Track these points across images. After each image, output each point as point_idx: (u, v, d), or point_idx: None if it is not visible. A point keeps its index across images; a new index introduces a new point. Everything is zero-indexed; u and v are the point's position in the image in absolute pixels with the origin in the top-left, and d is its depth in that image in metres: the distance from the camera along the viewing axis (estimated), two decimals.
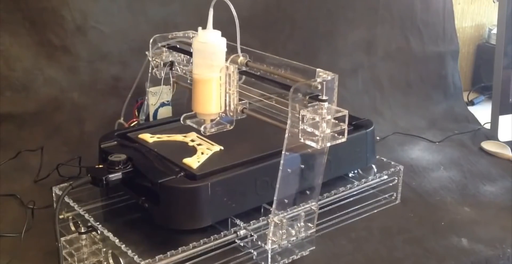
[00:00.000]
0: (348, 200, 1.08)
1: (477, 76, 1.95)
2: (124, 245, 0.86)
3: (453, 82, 1.72)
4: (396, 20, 1.63)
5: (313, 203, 0.93)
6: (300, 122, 0.85)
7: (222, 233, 0.91)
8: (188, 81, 1.11)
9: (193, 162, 0.96)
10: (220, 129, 1.01)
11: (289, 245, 0.93)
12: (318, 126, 0.84)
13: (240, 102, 0.99)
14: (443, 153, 1.39)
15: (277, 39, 1.48)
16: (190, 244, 0.88)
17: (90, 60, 1.30)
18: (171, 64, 1.13)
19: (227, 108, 1.00)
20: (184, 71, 1.12)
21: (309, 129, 0.85)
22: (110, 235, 0.88)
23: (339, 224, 1.04)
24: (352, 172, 1.14)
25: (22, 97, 1.25)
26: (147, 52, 1.12)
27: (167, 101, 1.19)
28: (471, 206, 1.15)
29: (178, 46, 1.14)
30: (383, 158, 1.16)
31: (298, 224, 0.92)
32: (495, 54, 1.48)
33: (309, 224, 0.93)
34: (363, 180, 1.10)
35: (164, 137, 1.07)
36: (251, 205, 0.96)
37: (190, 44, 1.08)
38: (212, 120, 1.01)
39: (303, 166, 0.89)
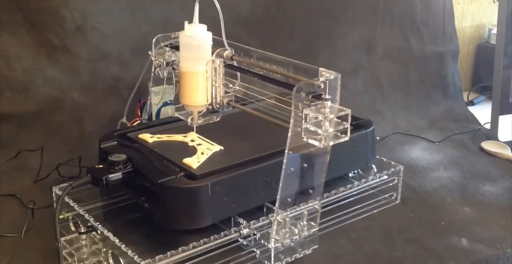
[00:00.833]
0: (348, 200, 1.08)
1: (477, 76, 1.94)
2: (124, 245, 0.86)
3: (453, 82, 1.72)
4: (396, 20, 1.63)
5: (316, 202, 0.93)
6: (303, 121, 0.85)
7: (222, 233, 0.91)
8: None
9: (193, 162, 0.96)
10: (207, 121, 1.04)
11: (292, 244, 0.94)
12: (321, 125, 0.85)
13: (226, 95, 1.02)
14: (443, 153, 1.39)
15: (277, 39, 1.49)
16: (190, 244, 0.88)
17: (90, 60, 1.30)
18: (174, 63, 1.13)
19: (214, 100, 1.02)
20: None
21: (312, 128, 0.85)
22: (110, 235, 0.88)
23: (339, 224, 1.04)
24: (352, 172, 1.14)
25: (22, 97, 1.25)
26: (149, 52, 1.13)
27: (170, 100, 1.19)
28: (471, 206, 1.15)
29: None
30: (383, 158, 1.16)
31: (301, 223, 0.93)
32: (495, 54, 1.48)
33: (312, 223, 0.94)
34: (363, 180, 1.10)
35: (164, 137, 1.07)
36: (251, 205, 0.96)
37: None
38: (199, 112, 1.03)
39: (305, 165, 0.90)
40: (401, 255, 0.98)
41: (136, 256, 0.84)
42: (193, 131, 1.08)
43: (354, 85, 1.58)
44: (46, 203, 1.06)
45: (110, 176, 0.92)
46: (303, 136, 0.86)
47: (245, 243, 0.94)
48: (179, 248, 0.87)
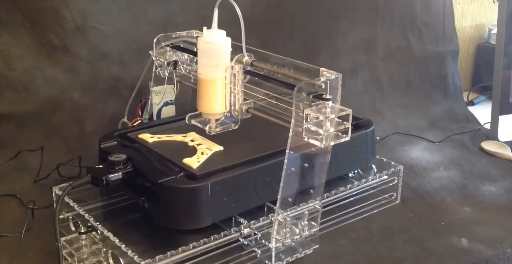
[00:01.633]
0: (348, 200, 1.08)
1: (477, 76, 1.94)
2: (124, 245, 0.86)
3: (453, 82, 1.72)
4: (396, 20, 1.63)
5: (317, 202, 0.93)
6: (304, 121, 0.85)
7: (222, 233, 0.91)
8: (192, 80, 1.12)
9: (193, 162, 0.96)
10: (225, 129, 1.02)
11: (293, 243, 0.94)
12: (322, 125, 0.85)
13: (245, 102, 1.00)
14: (443, 153, 1.39)
15: (277, 39, 1.48)
16: (190, 244, 0.88)
17: (90, 60, 1.30)
18: (175, 63, 1.13)
19: (232, 107, 1.00)
20: (187, 71, 1.12)
21: (313, 128, 0.85)
22: (110, 235, 0.88)
23: (339, 224, 1.04)
24: (352, 172, 1.14)
25: (22, 97, 1.25)
26: (151, 52, 1.13)
27: (171, 100, 1.20)
28: (471, 206, 1.15)
29: (181, 45, 1.14)
30: (383, 158, 1.16)
31: (302, 223, 0.93)
32: (495, 54, 1.48)
33: (313, 223, 0.94)
34: (363, 180, 1.10)
35: (164, 137, 1.07)
36: (251, 205, 0.96)
37: (193, 44, 1.09)
38: (217, 120, 1.01)
39: (306, 165, 0.90)
40: (401, 255, 0.98)
41: (136, 256, 0.84)
42: (193, 131, 1.07)
43: (354, 85, 1.58)
44: (46, 203, 1.06)
45: (110, 176, 0.92)
46: (304, 136, 0.86)
47: (246, 242, 0.94)
48: (179, 248, 0.87)
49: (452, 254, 0.99)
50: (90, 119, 1.30)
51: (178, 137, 1.07)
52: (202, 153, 1.00)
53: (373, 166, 1.15)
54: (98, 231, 0.90)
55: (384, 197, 1.13)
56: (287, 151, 0.87)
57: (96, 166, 0.96)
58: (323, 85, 0.85)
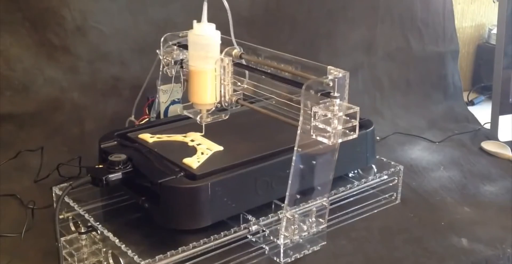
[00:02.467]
0: (348, 200, 1.08)
1: (477, 76, 1.95)
2: (124, 245, 0.86)
3: (453, 82, 1.72)
4: (396, 20, 1.63)
5: (324, 199, 0.94)
6: (312, 118, 0.86)
7: (223, 232, 0.91)
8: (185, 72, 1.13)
9: (193, 162, 0.96)
10: (215, 119, 1.04)
11: (301, 240, 0.94)
12: (330, 122, 0.85)
13: (235, 93, 1.02)
14: (443, 153, 1.39)
15: (277, 39, 1.48)
16: (190, 244, 0.88)
17: (90, 60, 1.30)
18: (182, 62, 1.14)
19: (222, 98, 1.02)
20: None
21: (321, 126, 0.86)
22: (110, 235, 0.88)
23: (339, 224, 1.04)
24: (352, 172, 1.14)
25: (22, 97, 1.25)
26: (157, 51, 1.13)
27: (178, 99, 1.20)
28: (471, 206, 1.15)
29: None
30: (383, 158, 1.16)
31: (310, 220, 0.93)
32: (495, 54, 1.48)
33: (320, 220, 0.94)
34: (363, 180, 1.10)
35: (164, 137, 1.07)
36: (251, 205, 0.96)
37: None
38: (207, 110, 1.03)
39: (314, 162, 0.90)
40: (401, 255, 0.98)
41: (136, 256, 0.84)
42: (193, 131, 1.08)
43: (354, 85, 1.58)
44: (46, 203, 1.06)
45: (110, 176, 0.92)
46: (312, 133, 0.87)
47: (254, 239, 0.95)
48: (179, 248, 0.87)
49: (452, 254, 0.99)
50: (90, 119, 1.30)
51: (178, 137, 1.07)
52: (202, 153, 1.00)
53: (373, 166, 1.15)
54: (98, 231, 0.90)
55: (384, 197, 1.13)
56: (295, 148, 0.87)
57: (96, 166, 0.96)
58: (331, 83, 0.86)
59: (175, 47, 1.13)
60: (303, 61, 0.93)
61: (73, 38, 1.27)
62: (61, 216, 0.97)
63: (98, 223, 0.91)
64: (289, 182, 0.88)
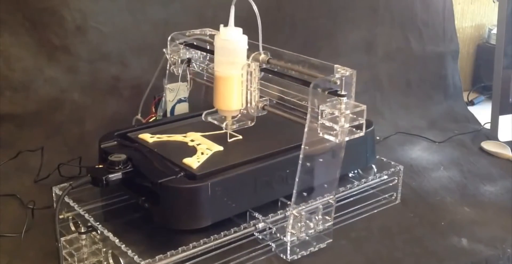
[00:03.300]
0: (348, 200, 1.08)
1: (477, 76, 1.94)
2: (124, 245, 0.86)
3: (453, 82, 1.72)
4: (396, 20, 1.63)
5: (331, 197, 0.94)
6: (319, 116, 0.86)
7: (222, 233, 0.91)
8: (205, 78, 1.14)
9: (193, 162, 0.96)
10: (241, 126, 1.03)
11: (307, 237, 0.95)
12: (337, 120, 0.86)
13: (261, 99, 1.01)
14: (443, 153, 1.39)
15: (277, 39, 1.48)
16: (190, 244, 0.88)
17: (90, 60, 1.30)
18: (188, 61, 1.15)
19: (248, 105, 1.01)
20: (201, 68, 1.14)
21: (328, 124, 0.86)
22: (110, 235, 0.88)
23: (339, 224, 1.04)
24: (352, 172, 1.14)
25: (22, 97, 1.25)
26: (164, 49, 1.14)
27: (184, 97, 1.21)
28: (471, 206, 1.15)
29: (195, 43, 1.15)
30: (383, 158, 1.16)
31: (316, 217, 0.94)
32: (495, 54, 1.48)
33: (327, 217, 0.95)
34: (363, 180, 1.10)
35: (164, 137, 1.07)
36: (251, 205, 0.96)
37: (207, 42, 1.12)
38: (233, 117, 1.03)
39: (321, 160, 0.90)
40: (401, 255, 0.98)
41: (136, 256, 0.84)
42: (193, 131, 1.08)
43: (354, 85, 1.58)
44: (46, 203, 1.06)
45: (110, 176, 0.92)
46: (319, 131, 0.87)
47: (261, 237, 0.95)
48: (179, 248, 0.87)
49: (452, 254, 0.99)
50: (90, 119, 1.30)
51: (178, 137, 1.07)
52: (202, 153, 1.00)
53: (373, 166, 1.15)
54: (98, 231, 0.90)
55: (384, 197, 1.13)
56: (302, 146, 0.88)
57: (96, 166, 0.96)
58: (338, 82, 0.86)
59: (182, 46, 1.13)
60: (310, 60, 0.94)
61: (73, 38, 1.27)
62: (61, 216, 0.97)
63: (98, 223, 0.91)
64: (296, 179, 0.89)
